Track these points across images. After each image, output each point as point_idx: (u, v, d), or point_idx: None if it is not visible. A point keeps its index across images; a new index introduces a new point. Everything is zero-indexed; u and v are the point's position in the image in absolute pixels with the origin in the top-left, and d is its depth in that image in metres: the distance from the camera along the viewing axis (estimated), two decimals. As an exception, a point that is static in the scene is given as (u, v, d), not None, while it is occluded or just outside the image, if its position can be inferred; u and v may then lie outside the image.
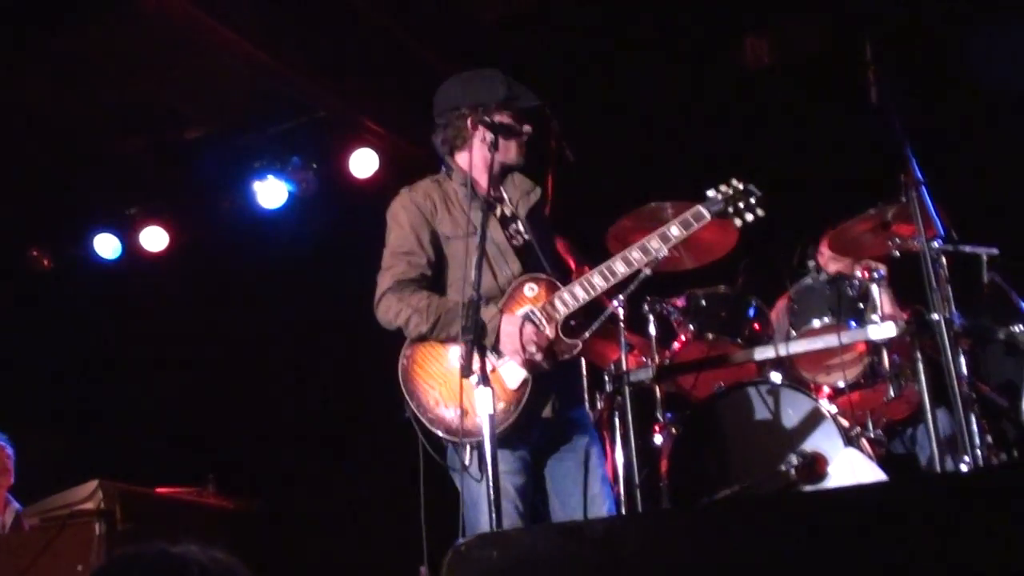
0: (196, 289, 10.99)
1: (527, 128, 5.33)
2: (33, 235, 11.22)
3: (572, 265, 6.51)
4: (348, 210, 10.40)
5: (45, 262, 11.28)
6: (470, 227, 5.14)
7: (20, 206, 10.64)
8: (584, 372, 6.27)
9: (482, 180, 5.29)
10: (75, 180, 10.49)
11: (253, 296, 10.76)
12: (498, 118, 5.25)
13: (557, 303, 5.05)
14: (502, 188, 5.41)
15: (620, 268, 5.12)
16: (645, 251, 5.15)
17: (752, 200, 5.39)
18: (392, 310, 5.08)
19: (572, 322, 5.08)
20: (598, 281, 5.08)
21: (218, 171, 10.62)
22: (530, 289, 5.10)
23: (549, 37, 9.06)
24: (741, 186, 5.39)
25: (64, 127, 9.91)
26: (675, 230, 5.22)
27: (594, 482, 5.14)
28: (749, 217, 5.39)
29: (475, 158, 5.32)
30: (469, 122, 5.32)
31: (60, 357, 10.96)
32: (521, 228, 5.33)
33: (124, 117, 9.98)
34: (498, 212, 5.33)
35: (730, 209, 5.37)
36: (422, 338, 5.04)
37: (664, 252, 5.19)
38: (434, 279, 5.17)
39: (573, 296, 5.05)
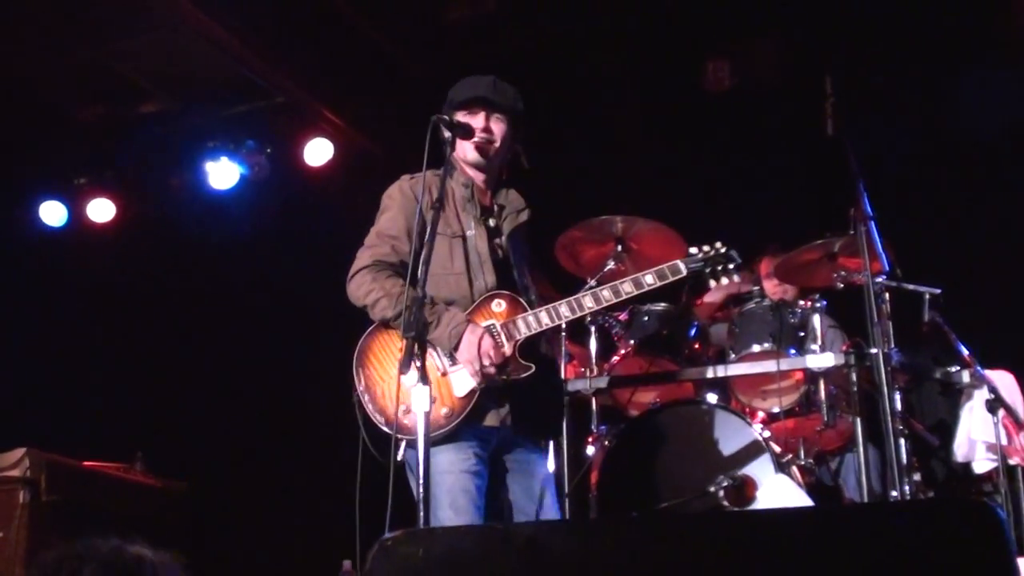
0: (140, 264, 10.91)
1: (474, 122, 5.27)
2: (-24, 197, 11.10)
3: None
4: (298, 197, 10.39)
5: (-12, 226, 11.16)
6: (460, 228, 5.20)
7: (-33, 168, 10.54)
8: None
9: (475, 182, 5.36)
10: (25, 145, 10.38)
11: (196, 275, 10.70)
12: (457, 118, 5.24)
13: (520, 323, 5.06)
14: (495, 201, 5.42)
15: (588, 303, 5.15)
16: (616, 293, 5.17)
17: (730, 265, 5.37)
18: (364, 288, 5.05)
19: (529, 344, 5.11)
20: (565, 311, 5.11)
21: (171, 147, 10.55)
22: (497, 304, 5.11)
23: (511, 42, 9.07)
24: (723, 250, 5.37)
25: (17, 91, 9.81)
26: (649, 279, 5.22)
27: (546, 492, 5.17)
28: (724, 280, 5.38)
29: (458, 159, 5.33)
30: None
31: (-5, 322, 10.86)
32: (504, 243, 5.33)
33: (82, 84, 9.91)
34: (491, 222, 5.36)
35: (707, 269, 5.35)
36: (385, 323, 5.04)
37: (633, 295, 5.23)
38: None
39: (537, 320, 5.07)
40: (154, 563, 2.52)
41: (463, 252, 5.18)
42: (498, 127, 5.33)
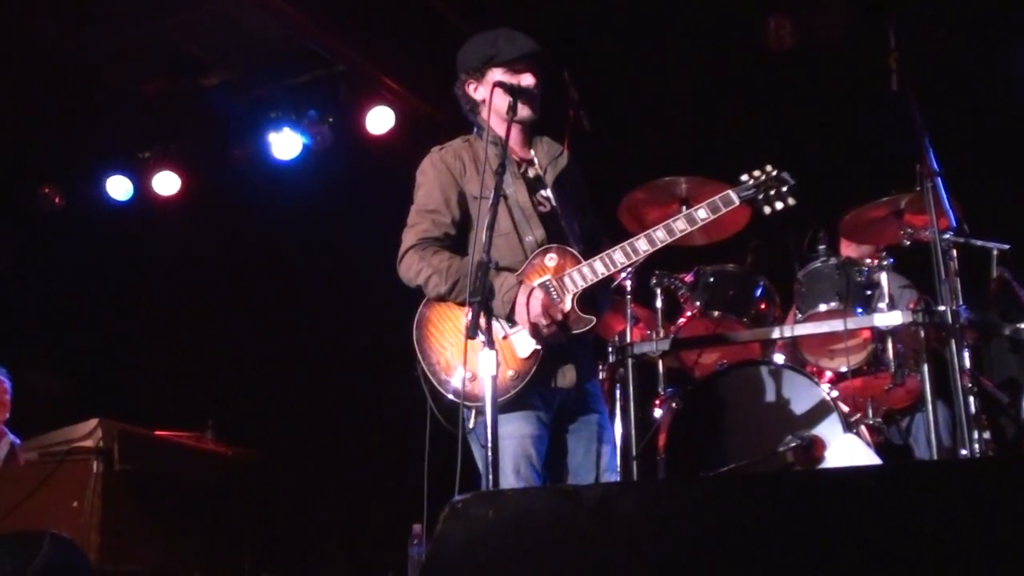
0: (205, 236, 11.00)
1: (525, 79, 5.15)
2: (46, 172, 11.23)
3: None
4: (361, 166, 10.42)
5: (56, 200, 11.29)
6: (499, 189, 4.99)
7: (34, 143, 10.65)
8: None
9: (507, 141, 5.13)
10: (91, 120, 10.48)
11: (262, 246, 10.78)
12: (490, 79, 5.16)
13: (576, 276, 4.95)
14: (532, 151, 5.33)
15: (643, 246, 4.98)
16: (670, 231, 5.01)
17: (784, 189, 5.16)
18: (414, 268, 5.03)
19: (588, 296, 5.00)
20: (619, 258, 4.96)
21: (234, 120, 10.62)
22: (551, 259, 5.00)
23: (571, 4, 9.03)
24: (775, 173, 5.17)
25: (81, 67, 9.90)
26: (702, 212, 5.05)
27: (606, 454, 5.12)
28: (779, 206, 5.17)
29: (490, 122, 5.21)
30: (467, 87, 5.28)
31: (67, 295, 10.99)
32: (548, 194, 5.23)
33: (144, 59, 9.97)
34: (531, 174, 5.27)
35: (760, 196, 5.15)
36: (440, 298, 5.00)
37: (688, 233, 5.08)
38: (458, 239, 5.09)
39: (592, 271, 4.95)
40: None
41: (507, 211, 5.08)
42: (537, 79, 5.22)
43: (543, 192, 5.24)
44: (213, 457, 8.57)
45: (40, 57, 9.57)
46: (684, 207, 6.53)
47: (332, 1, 9.08)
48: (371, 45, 9.68)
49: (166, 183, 10.99)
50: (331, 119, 10.38)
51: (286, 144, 10.43)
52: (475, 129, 5.35)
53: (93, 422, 7.74)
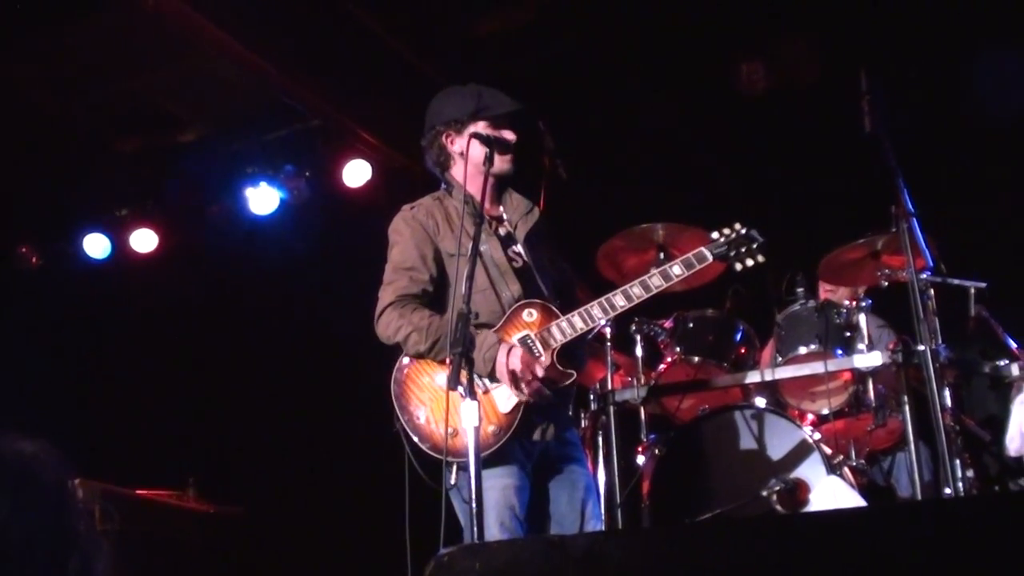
0: (184, 292, 10.96)
1: (506, 135, 5.23)
2: (22, 232, 11.19)
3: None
4: (339, 219, 10.41)
5: (33, 259, 11.26)
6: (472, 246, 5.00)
7: (10, 202, 10.62)
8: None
9: (476, 196, 5.14)
10: (67, 178, 10.46)
11: (241, 301, 10.75)
12: (473, 131, 5.20)
13: (555, 331, 4.99)
14: (501, 207, 5.36)
15: (620, 302, 5.05)
16: (645, 287, 5.09)
17: (753, 246, 5.29)
18: (392, 326, 5.01)
19: (567, 350, 5.03)
20: (597, 313, 5.02)
21: (210, 175, 10.62)
22: (529, 314, 5.03)
23: (544, 54, 9.07)
24: (744, 231, 5.30)
25: (58, 125, 9.89)
26: (677, 269, 5.14)
27: (590, 502, 5.13)
28: (749, 262, 5.30)
29: (460, 175, 5.20)
30: (445, 139, 5.29)
31: (45, 355, 10.92)
32: (520, 249, 5.26)
33: (118, 117, 9.98)
34: (502, 231, 5.29)
35: (731, 253, 5.28)
36: (420, 356, 5.00)
37: (663, 288, 5.14)
38: (435, 296, 5.09)
39: (571, 326, 4.99)
40: (36, 454, 2.44)
41: (483, 267, 5.07)
42: (516, 136, 5.30)
43: (515, 248, 5.27)
44: (196, 515, 8.51)
45: (15, 116, 9.55)
46: (662, 254, 6.63)
47: (307, 56, 9.09)
48: (346, 98, 9.69)
49: (143, 240, 10.95)
50: (308, 173, 10.38)
51: (263, 199, 10.42)
52: (443, 185, 5.37)
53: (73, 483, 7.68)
